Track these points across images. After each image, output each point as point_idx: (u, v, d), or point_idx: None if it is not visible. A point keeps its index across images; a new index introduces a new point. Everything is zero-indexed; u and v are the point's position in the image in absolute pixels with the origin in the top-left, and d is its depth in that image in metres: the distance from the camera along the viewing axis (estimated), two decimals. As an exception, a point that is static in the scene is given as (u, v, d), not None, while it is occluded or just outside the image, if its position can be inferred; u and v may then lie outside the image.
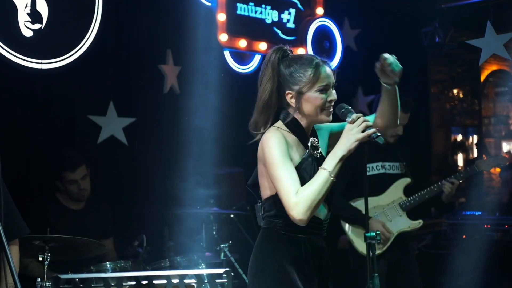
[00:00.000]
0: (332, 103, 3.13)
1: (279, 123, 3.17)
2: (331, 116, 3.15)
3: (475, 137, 9.46)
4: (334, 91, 3.15)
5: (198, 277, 2.44)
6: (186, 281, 2.44)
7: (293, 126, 3.16)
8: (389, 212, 5.13)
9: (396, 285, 5.11)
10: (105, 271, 4.33)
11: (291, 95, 3.14)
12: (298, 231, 3.09)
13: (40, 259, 3.92)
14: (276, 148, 3.03)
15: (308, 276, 3.12)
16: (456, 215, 6.78)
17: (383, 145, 5.14)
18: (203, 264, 4.46)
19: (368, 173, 5.11)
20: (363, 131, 3.00)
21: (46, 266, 3.90)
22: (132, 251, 4.58)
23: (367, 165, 5.11)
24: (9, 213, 3.19)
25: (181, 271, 2.50)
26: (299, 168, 3.06)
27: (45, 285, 3.81)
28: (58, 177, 4.84)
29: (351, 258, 5.19)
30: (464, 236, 6.51)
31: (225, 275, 2.45)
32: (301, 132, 3.17)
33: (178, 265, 4.48)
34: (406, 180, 5.22)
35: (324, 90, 3.11)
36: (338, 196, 4.89)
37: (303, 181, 3.00)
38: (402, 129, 5.24)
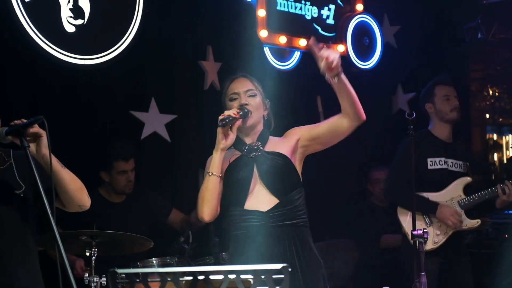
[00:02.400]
0: (245, 107, 3.49)
1: None
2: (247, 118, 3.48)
3: (510, 136, 9.32)
4: (248, 97, 3.52)
5: (255, 272, 2.38)
6: (242, 276, 2.39)
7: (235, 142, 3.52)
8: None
9: (449, 285, 5.06)
10: (151, 266, 4.33)
11: None
12: (241, 223, 3.45)
13: (87, 254, 3.92)
14: None
15: None
16: (498, 214, 6.67)
17: (448, 140, 5.15)
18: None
19: (430, 167, 5.14)
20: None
21: (93, 262, 3.89)
22: (178, 247, 4.57)
23: (430, 159, 5.11)
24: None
25: (238, 266, 2.45)
26: (229, 169, 3.48)
27: (93, 280, 3.83)
28: (108, 167, 4.87)
29: (404, 253, 5.10)
30: (506, 235, 6.42)
31: (283, 271, 2.39)
32: (237, 142, 3.51)
33: (223, 261, 4.46)
34: (466, 179, 5.17)
35: (233, 98, 3.55)
36: (403, 189, 4.89)
37: (235, 178, 3.45)
38: (456, 100, 5.27)
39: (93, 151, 5.04)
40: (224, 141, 3.41)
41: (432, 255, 4.90)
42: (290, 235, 3.42)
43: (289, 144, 3.56)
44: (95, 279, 3.83)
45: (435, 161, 5.11)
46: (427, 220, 5.03)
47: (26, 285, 3.04)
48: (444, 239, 5.00)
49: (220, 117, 3.39)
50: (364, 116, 3.49)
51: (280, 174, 3.46)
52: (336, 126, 3.53)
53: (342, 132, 3.55)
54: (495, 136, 9.26)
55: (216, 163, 3.42)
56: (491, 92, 8.88)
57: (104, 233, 3.94)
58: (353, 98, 3.44)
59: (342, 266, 5.95)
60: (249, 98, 3.52)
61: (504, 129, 9.34)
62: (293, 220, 3.45)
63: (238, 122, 3.43)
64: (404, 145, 4.98)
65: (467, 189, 5.15)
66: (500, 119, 9.14)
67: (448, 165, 5.14)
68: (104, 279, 3.87)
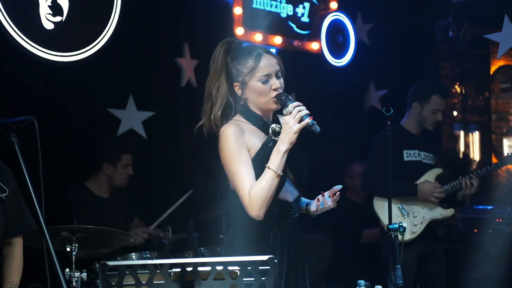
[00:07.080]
0: (278, 91, 3.15)
1: (237, 116, 3.21)
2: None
3: (476, 133, 9.45)
4: (278, 80, 3.17)
5: (242, 264, 2.45)
6: (229, 268, 2.45)
7: (250, 116, 3.20)
8: (422, 200, 5.19)
9: (423, 278, 5.16)
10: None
11: (238, 86, 3.19)
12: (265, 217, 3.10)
13: (68, 250, 3.91)
14: (230, 142, 3.08)
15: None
16: (468, 209, 6.79)
17: (420, 134, 5.26)
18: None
19: (406, 159, 5.24)
20: (300, 122, 3.02)
21: (73, 257, 3.89)
22: (157, 243, 4.60)
23: (406, 151, 5.21)
24: (19, 209, 3.29)
25: (225, 258, 2.50)
26: (259, 154, 3.11)
27: (74, 275, 3.83)
28: (115, 159, 4.88)
29: (383, 246, 5.18)
30: (475, 230, 6.52)
31: (269, 262, 2.46)
32: (259, 120, 3.20)
33: (202, 256, 4.51)
34: (438, 170, 5.31)
35: (265, 79, 3.15)
36: (380, 178, 5.00)
37: (263, 166, 3.05)
38: (441, 115, 5.35)
39: (71, 147, 5.04)
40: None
41: (410, 248, 4.99)
42: (300, 229, 3.30)
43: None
44: (76, 274, 3.82)
45: (410, 153, 5.24)
46: (403, 211, 5.15)
47: None
48: (421, 229, 5.12)
49: (306, 121, 3.01)
50: None
51: (300, 164, 3.27)
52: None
53: None
54: (462, 133, 9.39)
55: (283, 163, 3.05)
56: (459, 90, 9.01)
57: (84, 228, 3.94)
58: None
59: (315, 262, 6.01)
60: (278, 81, 3.20)
61: (471, 126, 9.47)
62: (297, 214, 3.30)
63: None
64: (380, 139, 5.11)
65: (439, 180, 5.28)
66: (469, 117, 9.26)
67: (421, 158, 5.28)
68: (84, 274, 3.86)
